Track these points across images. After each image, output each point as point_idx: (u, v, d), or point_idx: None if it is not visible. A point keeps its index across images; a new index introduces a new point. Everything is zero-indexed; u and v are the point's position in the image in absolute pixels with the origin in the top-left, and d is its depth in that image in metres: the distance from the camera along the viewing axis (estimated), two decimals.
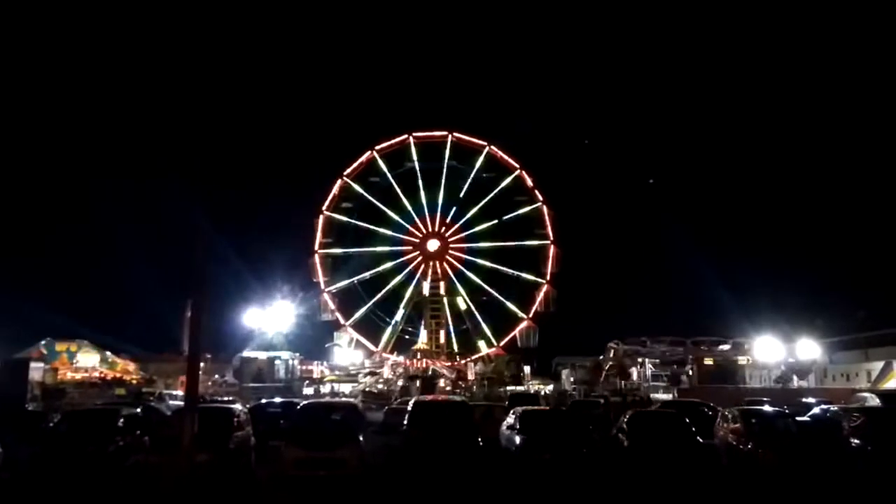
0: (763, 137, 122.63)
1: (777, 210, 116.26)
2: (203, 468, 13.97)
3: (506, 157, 70.42)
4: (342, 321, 68.73)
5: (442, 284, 71.03)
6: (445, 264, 72.04)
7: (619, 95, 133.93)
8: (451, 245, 72.23)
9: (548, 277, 68.38)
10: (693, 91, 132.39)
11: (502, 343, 68.71)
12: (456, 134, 71.09)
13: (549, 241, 68.99)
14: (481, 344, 69.37)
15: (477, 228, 71.49)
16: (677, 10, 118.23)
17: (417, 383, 57.00)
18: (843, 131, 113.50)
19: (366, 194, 70.68)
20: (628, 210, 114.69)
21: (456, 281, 71.56)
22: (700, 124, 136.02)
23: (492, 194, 70.69)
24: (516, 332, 68.28)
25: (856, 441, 17.29)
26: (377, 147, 70.92)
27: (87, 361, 64.29)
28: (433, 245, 71.84)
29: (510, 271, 69.64)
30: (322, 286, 68.67)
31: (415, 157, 71.21)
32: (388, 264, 71.82)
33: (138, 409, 21.91)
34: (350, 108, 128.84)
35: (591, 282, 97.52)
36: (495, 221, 70.84)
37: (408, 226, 72.11)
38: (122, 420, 17.18)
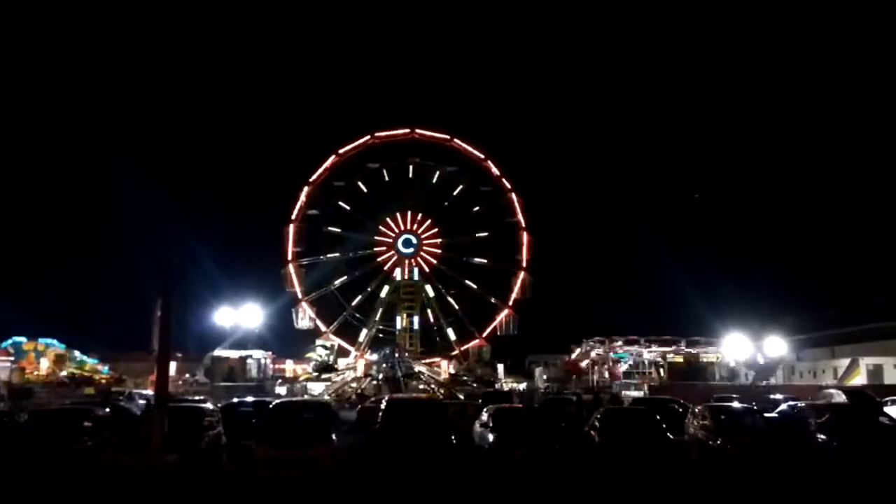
0: (733, 138, 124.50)
1: (748, 209, 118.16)
2: (173, 468, 13.83)
3: (470, 148, 70.35)
4: (323, 328, 68.26)
5: (417, 282, 70.82)
6: (420, 261, 71.86)
7: (589, 91, 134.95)
8: (424, 242, 72.08)
9: (523, 264, 68.49)
10: (665, 91, 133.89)
11: (485, 334, 68.71)
12: (418, 131, 70.75)
13: (520, 229, 69.10)
14: (460, 338, 69.27)
15: (448, 223, 71.45)
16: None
17: (401, 380, 56.88)
18: (810, 133, 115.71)
19: (333, 199, 70.16)
20: (599, 209, 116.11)
21: (432, 277, 71.40)
22: (671, 125, 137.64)
23: (459, 187, 70.73)
24: (497, 321, 68.24)
25: (822, 436, 17.64)
26: (340, 150, 70.16)
27: (55, 361, 63.21)
28: (406, 244, 71.63)
29: (485, 262, 69.67)
30: (299, 296, 68.05)
31: (378, 157, 70.95)
32: (363, 267, 71.69)
33: (107, 409, 21.65)
34: (311, 113, 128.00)
35: (564, 272, 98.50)
36: (466, 214, 70.84)
37: (379, 227, 71.90)
38: (90, 420, 16.95)
